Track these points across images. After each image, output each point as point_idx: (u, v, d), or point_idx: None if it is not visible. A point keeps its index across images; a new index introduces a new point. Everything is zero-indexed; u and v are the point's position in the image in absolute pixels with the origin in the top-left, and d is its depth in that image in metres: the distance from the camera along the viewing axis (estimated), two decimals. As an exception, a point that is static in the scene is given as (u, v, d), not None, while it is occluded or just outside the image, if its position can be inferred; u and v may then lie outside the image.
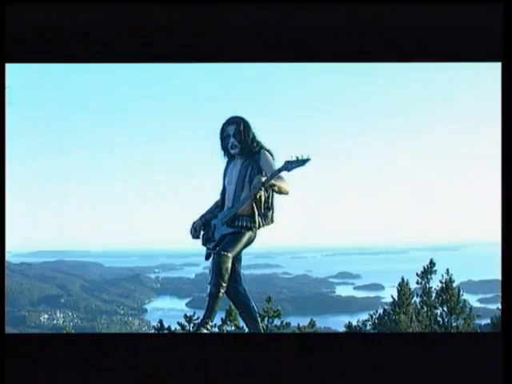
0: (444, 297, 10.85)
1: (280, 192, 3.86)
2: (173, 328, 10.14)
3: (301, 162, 3.74)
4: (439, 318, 10.93)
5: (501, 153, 3.34)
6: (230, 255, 3.88)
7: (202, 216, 4.12)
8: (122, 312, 29.50)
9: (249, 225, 3.91)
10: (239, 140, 3.96)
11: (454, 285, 11.00)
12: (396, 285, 11.19)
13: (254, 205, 3.89)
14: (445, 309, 10.89)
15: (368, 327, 11.12)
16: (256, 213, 3.89)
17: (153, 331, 12.35)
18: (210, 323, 3.93)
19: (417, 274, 11.26)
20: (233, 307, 7.03)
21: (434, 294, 11.04)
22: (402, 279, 11.09)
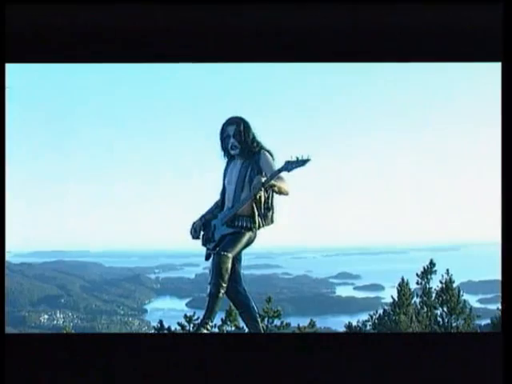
0: (444, 297, 10.85)
1: (280, 192, 3.86)
2: (173, 328, 10.15)
3: (301, 163, 3.73)
4: (439, 319, 10.93)
5: (501, 153, 3.34)
6: (230, 255, 3.88)
7: (202, 216, 4.12)
8: (122, 312, 29.51)
9: (249, 225, 3.91)
10: (239, 140, 3.96)
11: (454, 285, 11.00)
12: (396, 285, 11.19)
13: (254, 205, 3.89)
14: (445, 309, 10.88)
15: (368, 327, 11.12)
16: (256, 213, 3.89)
17: (153, 331, 12.36)
18: (210, 323, 3.93)
19: (417, 275, 11.26)
20: (233, 307, 7.03)
21: (434, 295, 11.04)
22: (402, 279, 11.09)
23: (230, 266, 3.88)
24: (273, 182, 3.80)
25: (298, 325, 10.48)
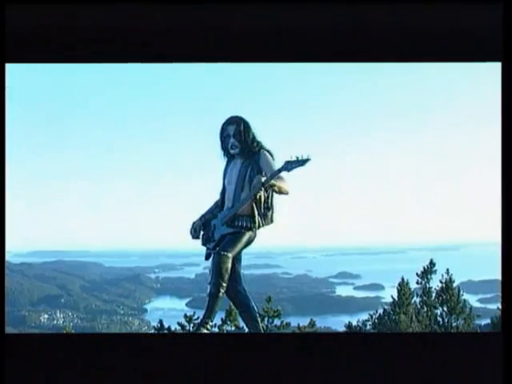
0: (444, 297, 10.85)
1: (280, 192, 3.86)
2: (173, 328, 10.15)
3: (301, 162, 3.74)
4: (439, 318, 10.93)
5: (501, 153, 3.33)
6: (230, 255, 3.88)
7: (202, 216, 4.12)
8: (122, 312, 29.51)
9: (249, 225, 3.91)
10: (239, 140, 3.96)
11: (454, 285, 11.00)
12: (396, 285, 11.19)
13: (254, 205, 3.89)
14: (445, 309, 10.88)
15: (368, 327, 11.12)
16: (256, 213, 3.90)
17: (153, 331, 12.36)
18: (210, 323, 3.93)
19: (417, 274, 11.26)
20: (233, 307, 7.04)
21: (434, 294, 11.04)
22: (402, 279, 11.09)
23: (229, 265, 3.88)
24: (273, 181, 3.81)
25: (298, 324, 10.48)
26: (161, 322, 10.33)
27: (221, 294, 3.88)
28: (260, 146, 3.98)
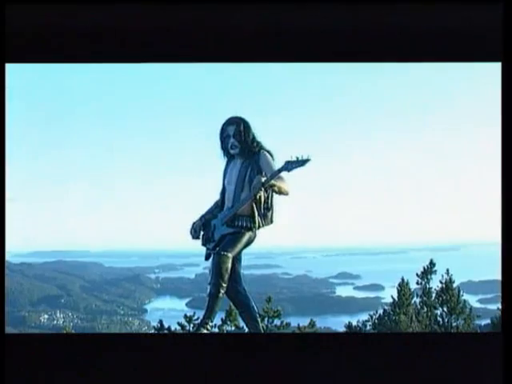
0: (444, 297, 10.86)
1: (280, 192, 3.86)
2: (173, 328, 10.15)
3: (301, 163, 3.73)
4: (439, 318, 10.93)
5: (501, 153, 3.33)
6: (230, 255, 3.88)
7: (202, 216, 4.12)
8: (122, 312, 29.52)
9: (249, 225, 3.91)
10: (239, 140, 3.96)
11: (454, 285, 11.01)
12: (396, 285, 11.19)
13: (254, 205, 3.89)
14: (445, 309, 10.89)
15: (368, 327, 11.12)
16: (256, 213, 3.89)
17: (153, 331, 12.36)
18: (210, 323, 3.93)
19: (417, 275, 11.27)
20: (233, 307, 7.04)
21: (434, 295, 11.05)
22: (402, 279, 11.10)
23: (229, 265, 3.88)
24: (273, 181, 3.80)
25: (298, 325, 10.48)
26: (161, 322, 10.34)
27: (221, 294, 3.88)
28: (260, 146, 3.97)
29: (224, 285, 3.87)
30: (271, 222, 3.98)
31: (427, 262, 11.35)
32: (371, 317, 11.22)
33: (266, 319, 9.85)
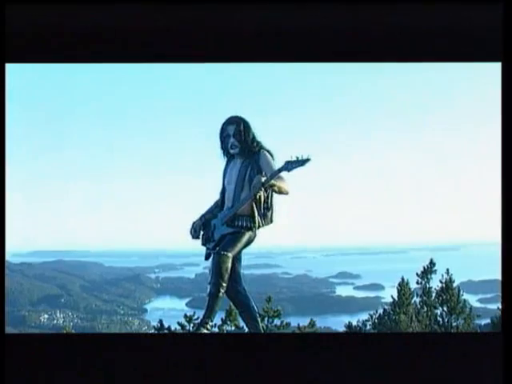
0: (444, 297, 10.85)
1: (280, 192, 3.86)
2: (173, 328, 10.15)
3: (301, 162, 3.73)
4: (439, 318, 10.93)
5: (501, 153, 3.33)
6: (230, 255, 3.88)
7: (202, 216, 4.12)
8: (122, 312, 29.53)
9: (249, 225, 3.91)
10: (239, 140, 3.96)
11: (454, 285, 11.01)
12: (396, 285, 11.20)
13: (254, 205, 3.89)
14: (445, 309, 10.89)
15: (368, 327, 11.12)
16: (256, 213, 3.89)
17: (153, 331, 12.36)
18: (210, 323, 3.93)
19: (417, 274, 11.27)
20: (233, 307, 7.04)
21: (434, 294, 11.05)
22: (402, 279, 11.10)
23: (229, 265, 3.88)
24: (273, 181, 3.80)
25: (298, 324, 10.49)
26: (161, 322, 10.34)
27: (221, 293, 3.88)
28: (260, 146, 3.97)
29: (224, 284, 3.87)
30: (271, 221, 3.98)
31: (427, 262, 11.35)
32: (371, 316, 11.23)
33: (265, 319, 9.85)
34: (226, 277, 3.87)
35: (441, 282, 10.97)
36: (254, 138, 3.98)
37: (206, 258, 4.04)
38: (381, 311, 11.16)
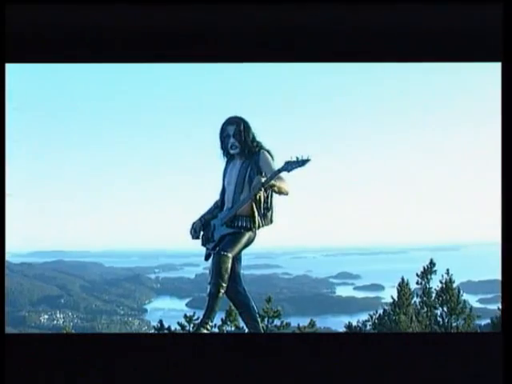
0: (444, 297, 10.85)
1: (280, 192, 3.86)
2: (173, 328, 10.15)
3: (301, 163, 3.73)
4: (439, 319, 10.93)
5: (501, 153, 3.33)
6: (230, 255, 3.88)
7: (202, 216, 4.12)
8: (122, 312, 29.51)
9: (248, 225, 3.91)
10: (239, 140, 3.96)
11: (454, 285, 11.00)
12: (396, 285, 11.19)
13: (254, 205, 3.89)
14: (445, 309, 10.88)
15: (368, 327, 11.12)
16: (256, 213, 3.89)
17: (153, 331, 12.36)
18: (210, 323, 3.93)
19: (417, 275, 11.27)
20: (233, 307, 7.03)
21: (434, 295, 11.04)
22: (402, 279, 11.10)
23: (229, 265, 3.88)
24: (272, 182, 3.80)
25: (298, 325, 10.48)
26: (161, 322, 10.34)
27: (221, 294, 3.88)
28: (260, 146, 3.98)
29: (224, 285, 3.87)
30: (271, 221, 3.98)
31: (427, 262, 11.35)
32: (371, 317, 11.22)
33: (266, 319, 9.85)
34: (226, 277, 3.87)
35: (441, 282, 10.97)
36: (253, 138, 3.98)
37: (206, 259, 4.04)
38: (381, 311, 11.16)
